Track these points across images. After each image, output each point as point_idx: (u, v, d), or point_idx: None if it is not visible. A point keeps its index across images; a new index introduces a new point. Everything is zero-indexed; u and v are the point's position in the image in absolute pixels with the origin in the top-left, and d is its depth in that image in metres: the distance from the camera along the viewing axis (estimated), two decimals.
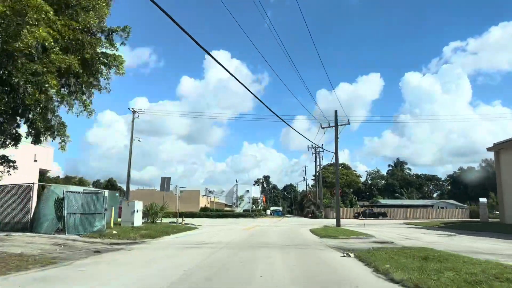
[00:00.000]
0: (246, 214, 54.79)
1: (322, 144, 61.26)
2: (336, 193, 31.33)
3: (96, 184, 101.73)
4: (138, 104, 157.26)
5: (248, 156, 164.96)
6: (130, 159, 38.30)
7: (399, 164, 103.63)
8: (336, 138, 31.21)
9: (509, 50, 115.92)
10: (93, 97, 13.38)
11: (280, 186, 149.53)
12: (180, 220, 30.86)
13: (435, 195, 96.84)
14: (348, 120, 31.77)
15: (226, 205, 76.95)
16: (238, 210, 69.09)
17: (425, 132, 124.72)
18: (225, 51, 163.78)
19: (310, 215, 65.59)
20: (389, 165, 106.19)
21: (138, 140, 39.70)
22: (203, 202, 63.54)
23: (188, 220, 33.70)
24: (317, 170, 62.12)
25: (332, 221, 36.00)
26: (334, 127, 31.59)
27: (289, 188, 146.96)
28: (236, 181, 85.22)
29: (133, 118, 38.82)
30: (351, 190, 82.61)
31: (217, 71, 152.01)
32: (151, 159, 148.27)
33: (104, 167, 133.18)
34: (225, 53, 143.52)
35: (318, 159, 61.11)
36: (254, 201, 77.64)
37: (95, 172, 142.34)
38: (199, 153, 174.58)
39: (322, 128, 32.55)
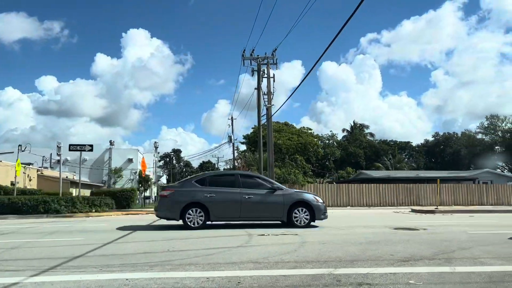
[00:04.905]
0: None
1: (275, 49, 28.53)
2: None
3: None
4: (44, 84, 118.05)
5: (168, 140, 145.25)
6: None
7: (357, 128, 74.56)
8: None
9: (419, 43, 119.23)
10: None
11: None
12: None
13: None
14: None
15: (93, 186, 40.03)
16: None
17: (339, 119, 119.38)
18: (145, 30, 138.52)
19: None
20: (344, 130, 76.70)
21: None
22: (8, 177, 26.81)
23: None
24: (262, 103, 28.77)
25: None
26: None
27: (207, 165, 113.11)
28: (111, 143, 47.99)
29: None
30: (306, 157, 51.74)
31: (136, 49, 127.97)
32: (60, 141, 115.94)
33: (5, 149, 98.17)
34: (145, 32, 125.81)
35: (268, 81, 27.85)
36: (144, 178, 41.47)
37: None
38: (115, 137, 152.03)
39: None
